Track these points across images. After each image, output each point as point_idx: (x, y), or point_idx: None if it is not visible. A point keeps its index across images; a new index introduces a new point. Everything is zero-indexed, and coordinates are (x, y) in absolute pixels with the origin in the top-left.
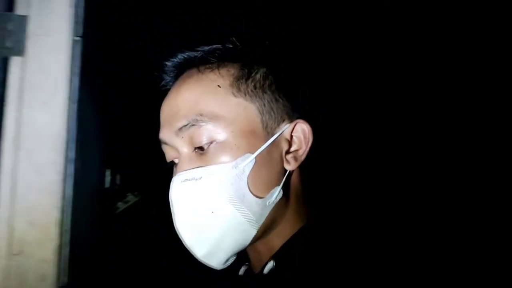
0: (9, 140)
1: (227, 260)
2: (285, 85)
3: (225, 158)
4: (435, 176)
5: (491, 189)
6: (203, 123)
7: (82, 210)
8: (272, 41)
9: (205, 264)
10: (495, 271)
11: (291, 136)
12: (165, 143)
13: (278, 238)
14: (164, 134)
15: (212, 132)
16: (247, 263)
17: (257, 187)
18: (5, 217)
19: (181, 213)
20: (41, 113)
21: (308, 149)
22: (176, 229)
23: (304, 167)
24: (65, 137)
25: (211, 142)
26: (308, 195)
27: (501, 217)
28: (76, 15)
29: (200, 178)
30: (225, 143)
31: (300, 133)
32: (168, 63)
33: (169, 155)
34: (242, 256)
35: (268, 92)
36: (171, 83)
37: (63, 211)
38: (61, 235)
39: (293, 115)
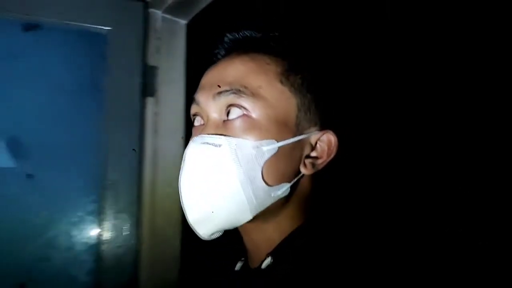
0: (148, 159)
1: (213, 233)
2: (328, 95)
3: (250, 135)
4: (436, 183)
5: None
6: (244, 95)
7: None
8: (327, 52)
9: (194, 230)
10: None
11: (316, 143)
12: (198, 104)
13: (275, 232)
14: (201, 95)
15: (248, 106)
16: (243, 258)
17: (270, 176)
18: (148, 218)
19: (189, 172)
20: (170, 140)
21: (328, 160)
22: (179, 186)
23: (318, 175)
24: None
25: (243, 114)
26: (313, 197)
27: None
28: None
29: (220, 146)
30: (255, 121)
31: (325, 143)
32: (230, 36)
33: (196, 114)
34: (238, 251)
35: (311, 94)
36: (221, 54)
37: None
38: (183, 231)
39: (324, 124)
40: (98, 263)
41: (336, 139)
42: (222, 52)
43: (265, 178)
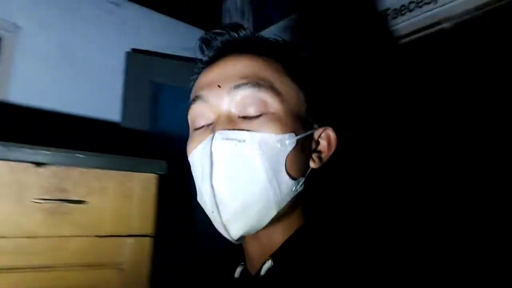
0: None
1: (242, 234)
2: (325, 93)
3: (272, 129)
4: (435, 184)
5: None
6: (263, 88)
7: None
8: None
9: (224, 231)
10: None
11: (318, 139)
12: (206, 101)
13: (281, 234)
14: (209, 92)
15: (268, 100)
16: (242, 263)
17: (292, 169)
18: None
19: (220, 169)
20: None
21: (330, 154)
22: (210, 185)
23: (320, 172)
24: None
25: (263, 113)
26: (316, 195)
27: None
28: None
29: (244, 141)
30: (275, 115)
31: (325, 139)
32: (228, 38)
33: (200, 112)
34: (237, 256)
35: (313, 91)
36: (209, 56)
37: None
38: None
39: (323, 121)
40: None
41: (335, 135)
42: (211, 53)
43: (288, 171)
